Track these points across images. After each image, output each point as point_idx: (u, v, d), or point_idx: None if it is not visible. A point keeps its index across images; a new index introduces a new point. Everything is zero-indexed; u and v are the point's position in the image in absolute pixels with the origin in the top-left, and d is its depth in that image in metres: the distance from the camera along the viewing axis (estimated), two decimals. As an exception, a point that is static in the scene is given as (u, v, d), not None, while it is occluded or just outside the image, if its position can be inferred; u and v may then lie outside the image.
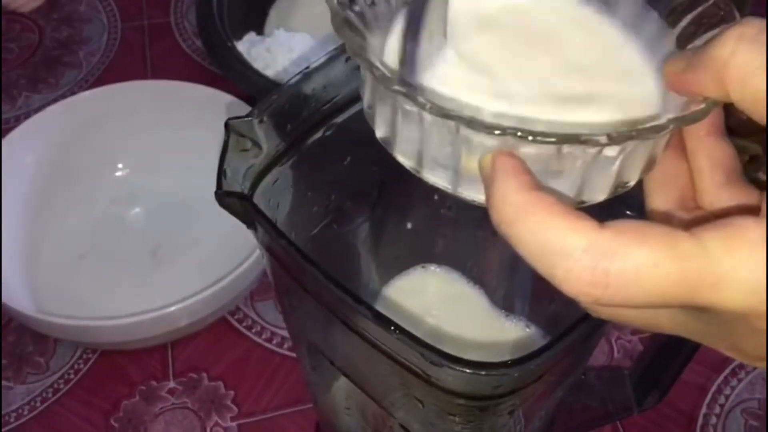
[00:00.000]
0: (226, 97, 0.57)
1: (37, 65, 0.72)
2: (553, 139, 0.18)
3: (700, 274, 0.17)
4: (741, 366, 0.52)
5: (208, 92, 0.58)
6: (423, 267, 0.43)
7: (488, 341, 0.40)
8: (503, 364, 0.23)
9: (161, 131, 0.59)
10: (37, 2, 0.76)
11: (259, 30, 0.68)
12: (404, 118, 0.21)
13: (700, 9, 0.22)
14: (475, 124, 0.18)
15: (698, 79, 0.19)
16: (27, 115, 0.59)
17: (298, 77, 0.31)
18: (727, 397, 0.51)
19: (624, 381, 0.43)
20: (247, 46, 0.65)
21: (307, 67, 0.31)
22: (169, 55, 0.72)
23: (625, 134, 0.18)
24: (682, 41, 0.23)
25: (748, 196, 0.21)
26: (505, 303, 0.42)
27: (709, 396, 0.51)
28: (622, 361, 0.53)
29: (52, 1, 0.77)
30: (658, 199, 0.23)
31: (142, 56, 0.72)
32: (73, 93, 0.65)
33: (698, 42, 0.22)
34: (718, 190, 0.21)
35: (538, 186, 0.18)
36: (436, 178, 0.22)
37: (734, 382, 0.52)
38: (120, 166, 0.60)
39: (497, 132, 0.18)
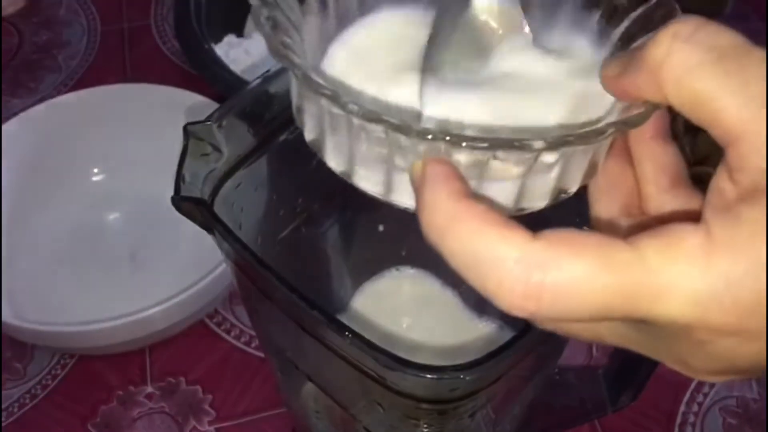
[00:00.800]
0: (206, 101, 0.57)
1: (16, 69, 0.72)
2: (485, 145, 0.17)
3: (638, 286, 0.16)
4: (720, 363, 0.52)
5: (187, 95, 0.58)
6: (397, 270, 0.43)
7: (462, 344, 0.40)
8: (456, 367, 0.22)
9: (139, 134, 0.59)
10: (16, 6, 0.76)
11: (239, 32, 0.68)
12: (332, 120, 0.20)
13: (641, 10, 0.22)
14: (404, 128, 0.17)
15: (635, 82, 0.18)
16: (6, 120, 0.59)
17: (258, 80, 0.31)
18: (705, 395, 0.51)
19: (599, 380, 0.43)
20: (226, 48, 0.65)
21: (268, 70, 0.31)
22: (149, 58, 0.72)
23: (561, 139, 0.18)
24: (625, 42, 0.22)
25: (692, 201, 0.21)
26: (478, 305, 0.42)
27: (688, 394, 0.51)
28: (601, 360, 0.53)
29: (32, 5, 0.77)
30: (603, 205, 0.22)
31: (121, 59, 0.72)
32: (52, 97, 0.65)
33: (640, 42, 0.21)
34: (662, 195, 0.21)
35: (470, 194, 0.18)
36: (367, 184, 0.21)
37: (713, 379, 0.52)
38: (96, 170, 0.60)
39: (428, 137, 0.17)
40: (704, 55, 0.17)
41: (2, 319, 0.46)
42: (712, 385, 0.51)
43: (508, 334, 0.41)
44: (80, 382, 0.52)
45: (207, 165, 0.29)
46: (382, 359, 0.23)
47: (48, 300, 0.53)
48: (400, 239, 0.42)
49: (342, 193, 0.38)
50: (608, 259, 0.16)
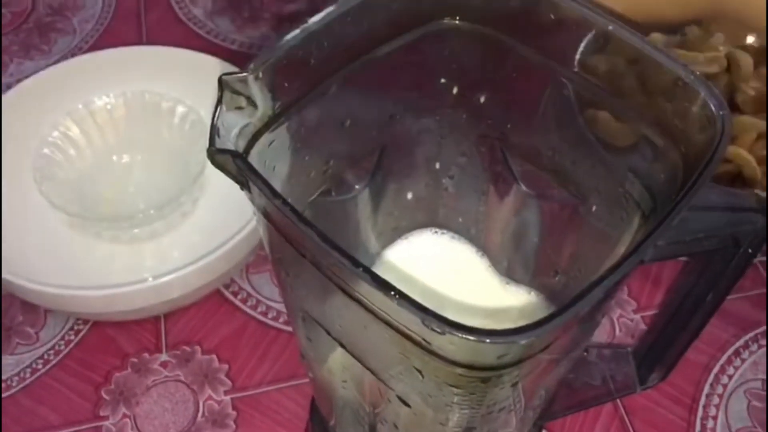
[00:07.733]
0: (222, 64, 0.56)
1: (29, 31, 0.70)
2: None
3: None
4: (745, 346, 0.52)
5: (204, 59, 0.56)
6: (431, 230, 0.42)
7: (490, 308, 0.39)
8: (509, 331, 0.21)
9: (156, 99, 0.58)
10: (30, -33, 0.74)
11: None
12: None
13: None
14: None
15: None
16: (20, 81, 0.57)
17: (296, 33, 0.29)
18: (730, 377, 0.50)
19: (627, 358, 0.42)
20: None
21: (306, 21, 0.29)
22: (165, 22, 0.71)
23: None
24: None
25: None
26: (508, 274, 0.41)
27: (712, 376, 0.50)
28: (624, 339, 0.52)
29: (46, -34, 0.75)
30: None
31: (137, 24, 0.71)
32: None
33: None
34: None
35: None
36: None
37: (738, 362, 0.51)
38: (113, 133, 0.59)
39: None
40: None
41: (16, 281, 0.45)
42: (737, 367, 0.50)
43: (537, 302, 0.40)
44: (94, 349, 0.51)
45: (241, 119, 0.28)
46: (429, 321, 0.22)
47: (62, 264, 0.52)
48: (429, 206, 0.41)
49: (372, 158, 0.37)
50: None
